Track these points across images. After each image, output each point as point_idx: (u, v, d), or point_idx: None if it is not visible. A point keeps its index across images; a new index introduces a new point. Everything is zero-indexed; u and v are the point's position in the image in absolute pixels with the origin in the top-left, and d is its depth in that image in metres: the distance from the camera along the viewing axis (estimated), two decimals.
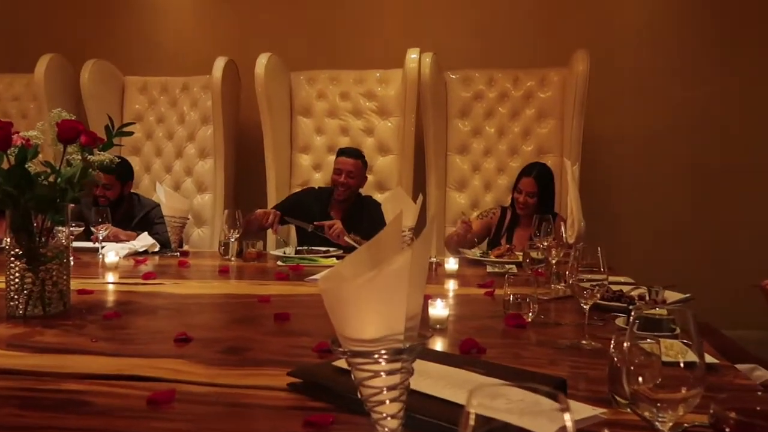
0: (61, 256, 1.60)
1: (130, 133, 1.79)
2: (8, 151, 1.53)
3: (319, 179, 4.16)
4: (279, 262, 2.76)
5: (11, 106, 4.68)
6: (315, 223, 3.12)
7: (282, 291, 2.10)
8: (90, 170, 1.66)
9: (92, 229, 2.85)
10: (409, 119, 3.96)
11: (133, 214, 3.55)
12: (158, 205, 3.66)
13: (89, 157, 1.66)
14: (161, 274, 2.41)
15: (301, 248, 3.06)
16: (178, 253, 3.06)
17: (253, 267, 2.72)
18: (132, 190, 3.67)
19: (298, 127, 4.23)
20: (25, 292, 1.54)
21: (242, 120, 4.46)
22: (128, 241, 3.14)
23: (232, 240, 2.86)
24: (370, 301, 0.77)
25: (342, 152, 3.45)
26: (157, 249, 3.11)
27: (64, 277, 1.61)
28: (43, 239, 1.58)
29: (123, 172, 3.38)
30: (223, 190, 4.17)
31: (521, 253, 2.56)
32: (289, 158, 4.23)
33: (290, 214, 3.23)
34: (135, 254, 2.99)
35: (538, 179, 3.25)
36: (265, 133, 4.04)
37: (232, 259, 2.85)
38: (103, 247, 2.87)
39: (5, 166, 1.55)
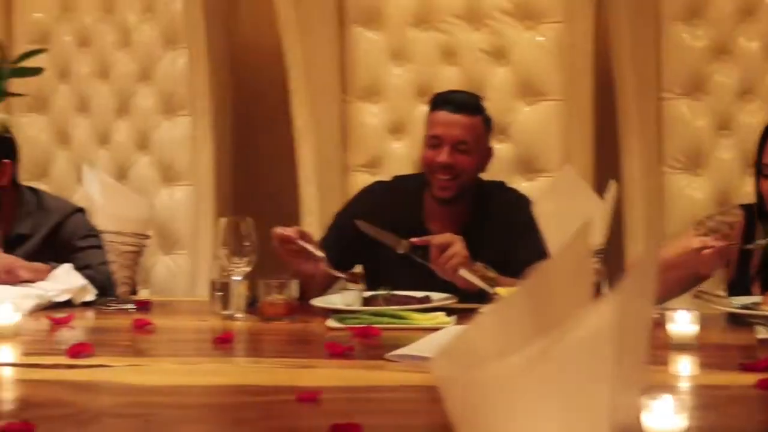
0: None
1: (37, 71, 1.86)
2: None
3: (400, 153, 4.21)
4: (331, 322, 2.80)
5: None
6: (412, 239, 3.16)
7: (342, 380, 2.11)
8: None
9: None
10: (582, 28, 3.94)
11: (20, 228, 3.60)
12: (81, 211, 3.72)
13: None
14: (103, 346, 2.45)
15: (375, 293, 3.08)
16: (132, 306, 3.12)
17: (280, 331, 2.77)
18: (24, 182, 3.76)
19: (357, 49, 4.27)
20: None
21: (244, 40, 4.54)
22: (34, 281, 3.22)
23: (237, 278, 2.92)
24: (539, 400, 0.78)
25: (442, 102, 3.46)
26: (90, 297, 3.19)
27: None
28: None
29: None
30: (212, 179, 4.26)
31: None
32: (340, 113, 4.28)
33: (351, 239, 3.27)
34: (48, 307, 3.06)
35: None
36: (290, 64, 4.09)
37: (238, 315, 2.90)
38: None
39: None
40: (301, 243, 3.12)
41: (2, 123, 1.77)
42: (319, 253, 3.16)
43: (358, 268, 3.22)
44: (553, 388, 0.78)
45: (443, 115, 3.38)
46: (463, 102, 3.43)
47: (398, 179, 3.67)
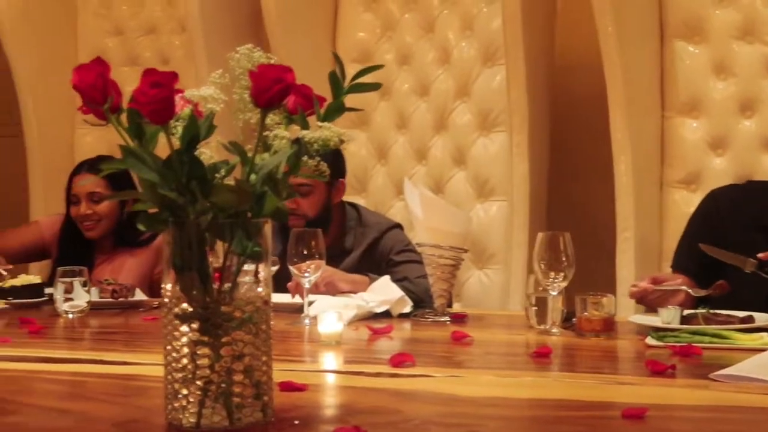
0: (257, 320, 1.71)
1: (375, 86, 1.88)
2: (170, 124, 1.68)
3: (720, 169, 4.10)
4: (651, 339, 2.73)
5: (123, 45, 5.39)
6: (759, 255, 3.05)
7: (666, 398, 2.05)
8: (305, 158, 1.76)
9: (291, 269, 3.06)
10: None
11: (345, 243, 3.77)
12: (398, 227, 3.83)
13: (304, 133, 1.77)
14: (421, 356, 2.48)
15: (694, 312, 2.98)
16: (449, 318, 3.16)
17: (596, 347, 2.73)
18: (346, 197, 3.91)
19: (678, 63, 4.19)
20: (197, 383, 1.68)
21: (562, 55, 4.53)
22: (353, 292, 3.33)
23: (554, 293, 2.89)
24: None
25: None
26: (407, 309, 3.25)
27: (263, 358, 1.71)
28: (226, 287, 1.70)
29: (331, 165, 3.59)
30: (527, 194, 4.25)
31: None
32: (659, 127, 4.20)
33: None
34: (367, 318, 3.15)
35: None
36: (609, 78, 4.03)
37: (554, 330, 2.88)
38: (310, 304, 3.07)
39: (160, 151, 1.70)
40: (658, 288, 3.12)
41: (338, 136, 1.79)
42: (676, 285, 3.16)
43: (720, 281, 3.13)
44: None
45: None
46: None
47: (752, 181, 3.69)
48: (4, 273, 3.68)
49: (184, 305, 1.69)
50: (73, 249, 4.04)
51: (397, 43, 4.74)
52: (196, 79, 4.38)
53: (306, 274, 3.04)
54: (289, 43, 4.57)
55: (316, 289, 3.16)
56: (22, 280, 3.64)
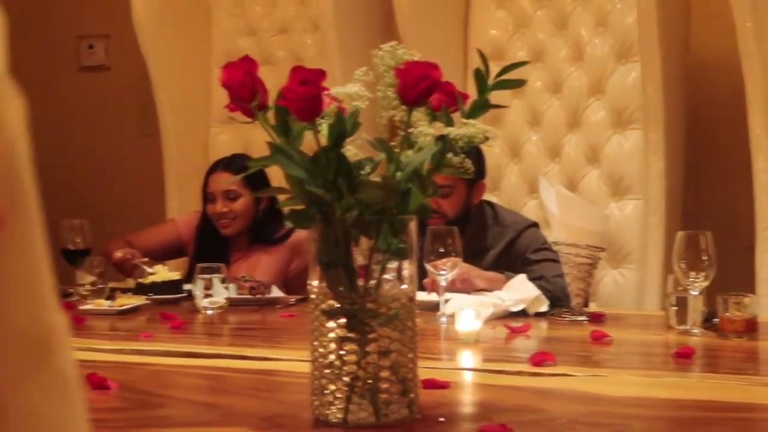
0: (403, 317, 1.72)
1: (520, 82, 1.87)
2: (317, 122, 1.70)
3: None
4: None
5: (257, 44, 5.42)
6: None
7: None
8: (451, 155, 1.77)
9: (426, 266, 3.07)
10: None
11: (485, 242, 3.78)
12: (535, 225, 3.82)
13: (449, 130, 1.77)
14: (561, 355, 2.47)
15: None
16: (586, 317, 3.15)
17: (739, 348, 2.69)
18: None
19: None
20: (344, 379, 1.69)
21: (697, 50, 4.45)
22: (490, 290, 3.32)
23: (695, 293, 2.84)
24: None
25: None
26: (544, 308, 3.25)
27: (409, 355, 1.72)
28: (371, 284, 1.71)
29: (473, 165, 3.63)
30: (663, 192, 4.19)
31: None
32: None
33: None
34: (504, 316, 3.15)
35: None
36: (747, 73, 3.95)
37: (695, 331, 2.84)
38: (446, 302, 3.07)
39: (307, 146, 1.72)
40: None
41: (483, 133, 1.79)
42: None
43: None
44: None
45: None
46: None
47: None
48: (147, 270, 3.76)
49: (331, 301, 1.72)
50: (210, 246, 4.10)
51: (529, 40, 4.72)
52: (329, 78, 4.41)
53: (442, 272, 3.05)
54: (421, 41, 4.57)
55: (452, 285, 3.16)
56: (162, 275, 3.72)
